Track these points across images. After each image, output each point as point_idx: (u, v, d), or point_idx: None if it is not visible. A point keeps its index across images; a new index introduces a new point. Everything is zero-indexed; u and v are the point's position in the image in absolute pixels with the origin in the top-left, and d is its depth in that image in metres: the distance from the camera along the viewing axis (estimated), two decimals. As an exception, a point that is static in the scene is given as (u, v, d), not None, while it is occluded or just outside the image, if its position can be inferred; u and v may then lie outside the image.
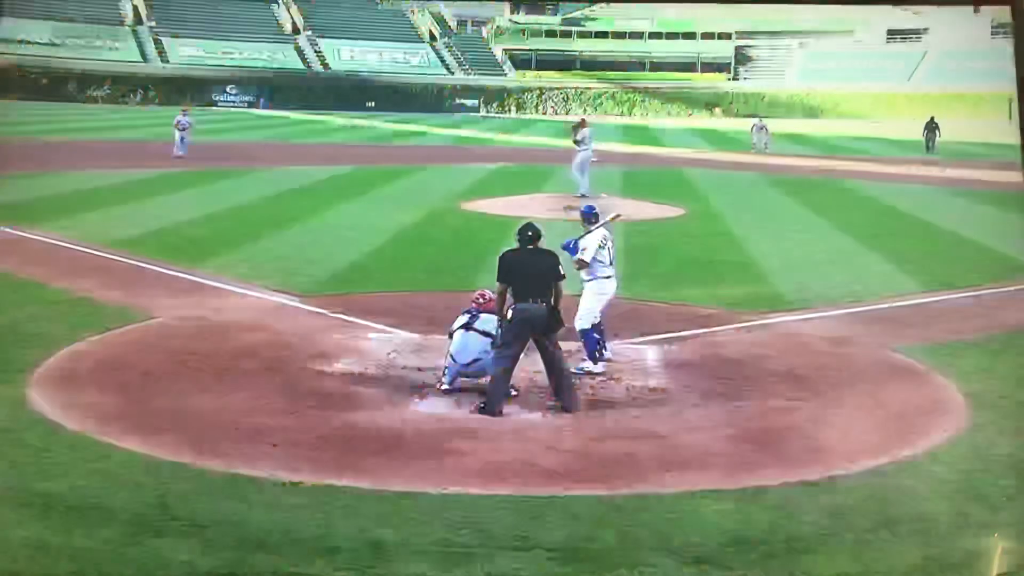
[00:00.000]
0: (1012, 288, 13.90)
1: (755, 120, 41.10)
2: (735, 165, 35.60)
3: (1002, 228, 19.70)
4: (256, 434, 7.91)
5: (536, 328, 8.62)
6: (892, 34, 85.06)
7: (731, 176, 31.13)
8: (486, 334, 9.06)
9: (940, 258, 16.82)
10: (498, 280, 8.70)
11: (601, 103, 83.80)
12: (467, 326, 9.21)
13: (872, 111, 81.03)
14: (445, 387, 9.09)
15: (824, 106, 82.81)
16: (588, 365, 9.78)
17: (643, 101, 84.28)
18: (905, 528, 6.66)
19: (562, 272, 8.78)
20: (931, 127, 42.49)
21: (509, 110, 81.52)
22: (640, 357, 10.55)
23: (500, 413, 8.52)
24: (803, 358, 10.58)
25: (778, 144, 46.73)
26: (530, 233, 8.92)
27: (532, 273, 8.67)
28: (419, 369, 9.77)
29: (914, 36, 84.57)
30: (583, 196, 21.21)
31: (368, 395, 9.04)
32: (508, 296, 8.61)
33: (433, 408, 8.82)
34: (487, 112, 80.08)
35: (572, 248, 9.96)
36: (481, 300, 9.39)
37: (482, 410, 8.56)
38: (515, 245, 8.90)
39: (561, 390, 8.73)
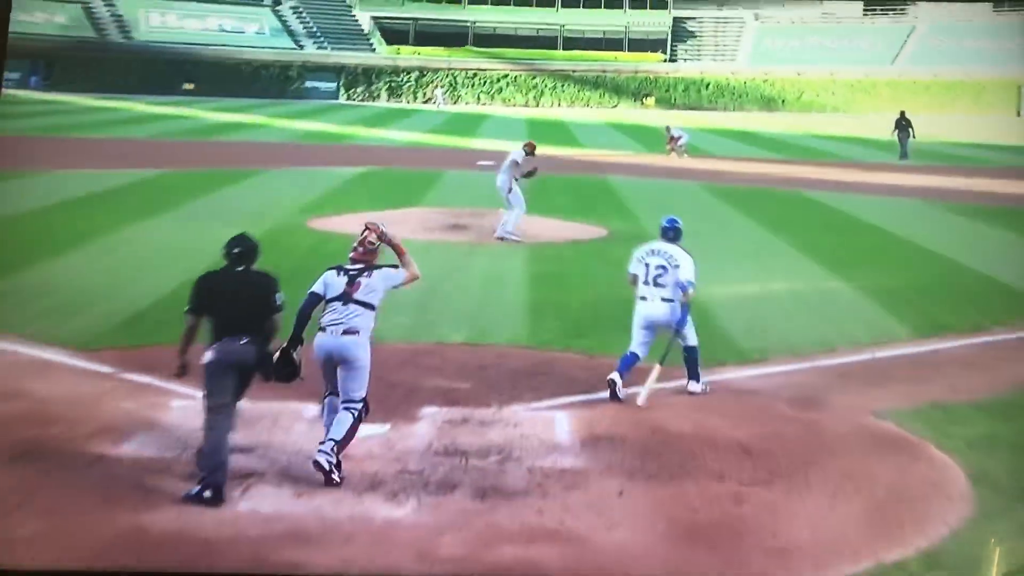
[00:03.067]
0: (1025, 332, 14.34)
1: (672, 130, 41.66)
2: (672, 172, 36.15)
3: (1012, 255, 20.32)
4: (3, 550, 7.48)
5: (243, 375, 8.90)
6: (871, 5, 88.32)
7: (667, 186, 31.56)
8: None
9: (935, 293, 17.20)
10: (188, 310, 8.98)
11: (501, 89, 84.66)
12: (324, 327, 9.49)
13: (846, 103, 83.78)
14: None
15: (785, 96, 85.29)
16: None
17: (555, 88, 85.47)
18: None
19: (279, 302, 9.05)
20: (902, 126, 43.46)
21: (378, 96, 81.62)
22: (546, 427, 10.51)
23: (221, 500, 8.54)
24: (760, 427, 10.65)
25: (728, 145, 47.63)
26: (238, 250, 9.16)
27: (237, 302, 8.94)
28: (241, 450, 9.51)
29: (899, 8, 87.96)
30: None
31: (168, 487, 8.81)
32: (200, 332, 8.92)
33: (259, 503, 8.64)
34: (349, 98, 79.99)
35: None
36: (362, 249, 9.85)
37: (198, 495, 8.56)
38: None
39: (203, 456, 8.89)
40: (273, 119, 55.15)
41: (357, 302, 9.51)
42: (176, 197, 25.51)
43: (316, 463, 9.06)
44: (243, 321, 8.89)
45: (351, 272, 9.71)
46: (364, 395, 9.38)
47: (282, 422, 10.42)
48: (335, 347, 9.37)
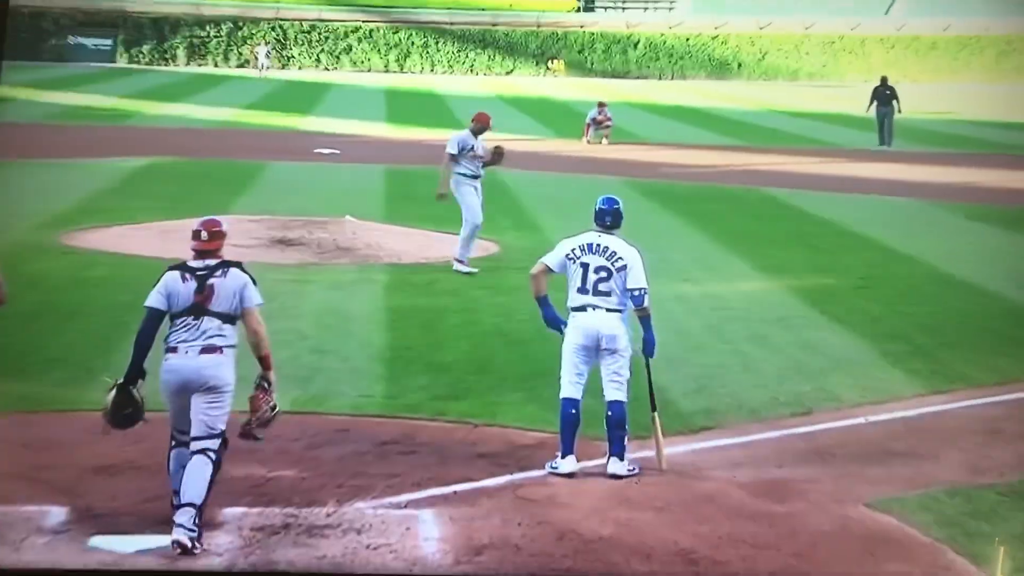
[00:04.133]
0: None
1: (604, 109, 41.81)
2: (589, 164, 36.23)
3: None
4: None
5: None
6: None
7: (582, 184, 31.57)
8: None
9: (949, 332, 17.37)
10: None
11: (349, 48, 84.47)
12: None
13: (824, 67, 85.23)
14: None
15: (741, 58, 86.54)
16: (558, 462, 11.73)
17: (425, 47, 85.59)
18: None
19: None
20: (883, 97, 43.70)
21: (173, 58, 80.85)
22: (406, 534, 10.36)
23: None
24: (710, 526, 10.60)
25: (664, 126, 47.97)
26: None
27: None
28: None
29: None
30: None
31: None
32: None
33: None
34: (131, 61, 79.10)
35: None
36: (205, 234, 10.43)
37: None
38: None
39: None
40: (16, 90, 54.02)
41: (214, 314, 10.07)
42: None
43: (177, 543, 9.60)
44: None
45: (199, 273, 10.21)
46: (224, 428, 10.04)
47: (10, 536, 10.05)
48: (192, 371, 9.95)
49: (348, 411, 13.36)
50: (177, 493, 9.95)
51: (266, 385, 10.36)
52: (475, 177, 20.96)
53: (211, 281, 10.12)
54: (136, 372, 9.99)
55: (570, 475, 11.58)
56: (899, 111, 43.39)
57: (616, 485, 11.52)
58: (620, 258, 11.80)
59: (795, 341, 16.75)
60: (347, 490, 11.05)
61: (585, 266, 11.84)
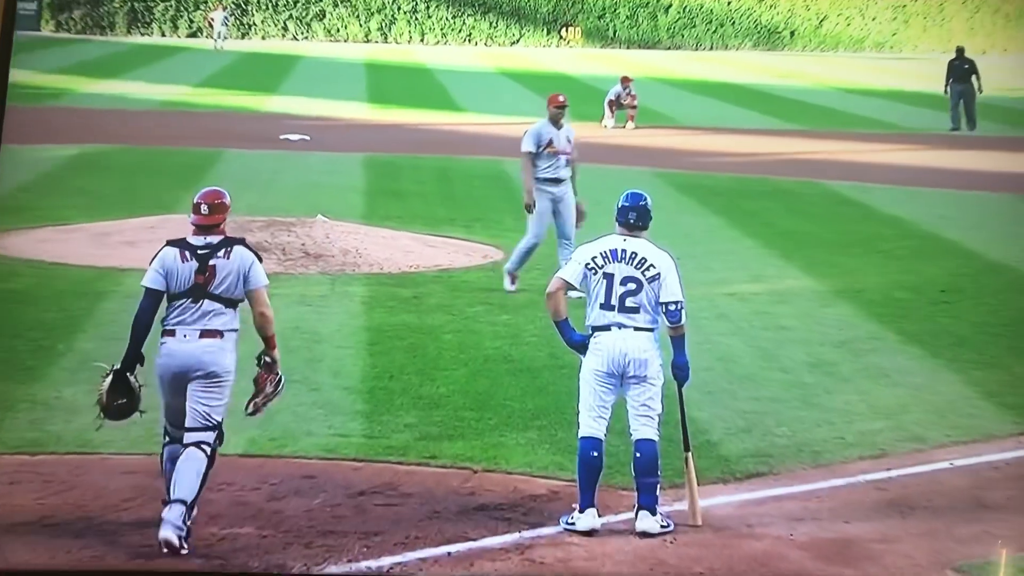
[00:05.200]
0: None
1: (630, 86, 41.93)
2: (611, 153, 36.14)
3: None
4: None
5: None
6: None
7: (602, 175, 31.40)
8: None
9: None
10: None
11: (323, 13, 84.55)
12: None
13: (894, 35, 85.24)
14: None
15: (795, 25, 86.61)
16: (575, 517, 11.65)
17: (414, 11, 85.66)
18: None
19: None
20: (959, 72, 44.15)
21: (112, 27, 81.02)
22: None
23: None
24: (764, 597, 10.61)
25: (702, 107, 47.96)
26: None
27: None
28: None
29: None
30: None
31: None
32: None
33: None
34: (58, 29, 79.26)
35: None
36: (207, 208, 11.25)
37: None
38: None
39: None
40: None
41: (215, 297, 10.99)
42: None
43: (165, 541, 10.59)
44: None
45: (200, 251, 11.08)
46: (221, 420, 11.06)
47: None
48: (190, 356, 10.95)
49: (318, 454, 13.33)
50: (170, 487, 10.82)
51: (269, 361, 11.30)
52: (555, 182, 19.94)
53: (213, 262, 11.00)
54: (133, 357, 10.94)
55: (590, 533, 11.48)
56: (980, 90, 43.49)
57: (646, 545, 11.45)
58: (651, 266, 11.71)
59: (864, 368, 16.73)
60: (317, 551, 11.00)
61: (609, 277, 11.75)
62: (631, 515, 11.62)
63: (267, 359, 11.30)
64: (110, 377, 10.95)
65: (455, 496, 12.30)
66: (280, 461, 13.07)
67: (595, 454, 11.57)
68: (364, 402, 14.93)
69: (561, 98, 20.24)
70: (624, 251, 11.76)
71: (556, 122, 19.98)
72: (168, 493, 10.77)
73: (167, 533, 10.53)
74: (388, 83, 58.29)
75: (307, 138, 37.74)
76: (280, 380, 11.44)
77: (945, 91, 44.14)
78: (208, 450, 10.88)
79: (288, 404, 14.60)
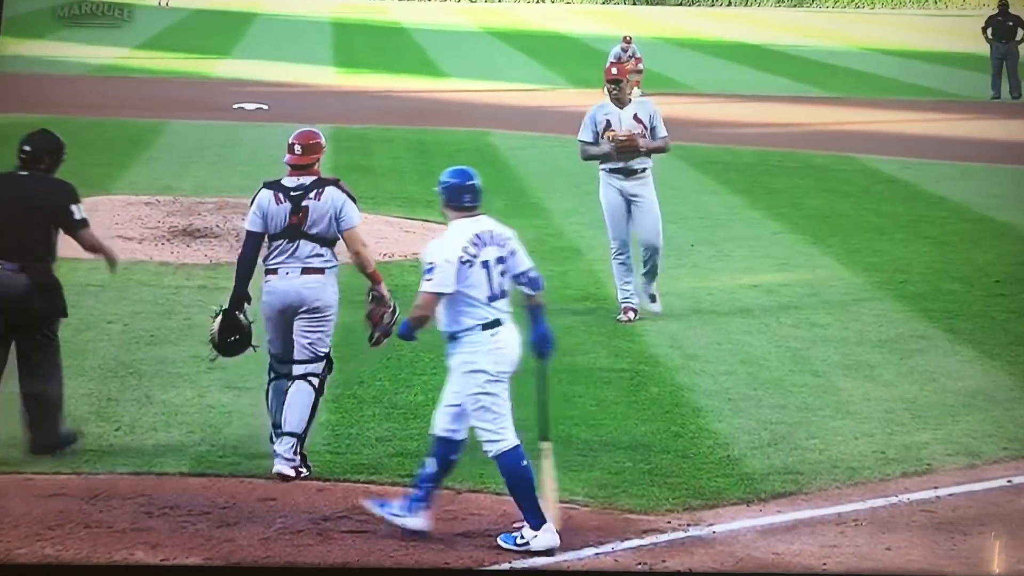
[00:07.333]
0: None
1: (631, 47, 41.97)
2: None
3: None
4: None
5: (8, 312, 11.91)
6: None
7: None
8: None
9: None
10: None
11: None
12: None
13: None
14: None
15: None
16: (395, 509, 11.92)
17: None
18: None
19: (77, 216, 12.94)
20: (1002, 28, 43.94)
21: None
22: None
23: None
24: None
25: (720, 71, 47.97)
26: (28, 148, 12.89)
27: (11, 215, 12.61)
28: None
29: None
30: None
31: None
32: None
33: None
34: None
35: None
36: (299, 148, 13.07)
37: None
38: None
39: (35, 423, 12.77)
40: None
41: (310, 237, 12.85)
42: None
43: (280, 474, 12.68)
44: (12, 239, 12.09)
45: (292, 193, 12.90)
46: (329, 351, 13.01)
47: None
48: (293, 291, 12.88)
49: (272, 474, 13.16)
50: (277, 426, 12.86)
51: (378, 296, 13.09)
52: (624, 174, 18.19)
53: (305, 203, 12.81)
54: (240, 296, 12.90)
55: (549, 552, 11.52)
56: None
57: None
58: (508, 238, 11.81)
59: (909, 372, 16.72)
60: (276, 584, 10.93)
61: (486, 264, 11.66)
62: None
63: (375, 293, 13.06)
64: (220, 317, 12.87)
65: (435, 521, 12.11)
66: (232, 481, 12.99)
67: (525, 463, 11.60)
68: (329, 412, 14.74)
69: (614, 71, 18.79)
70: (490, 235, 11.77)
71: (618, 100, 18.31)
72: (274, 428, 12.86)
73: (281, 467, 12.63)
74: (357, 44, 58.39)
75: (264, 107, 37.90)
76: (395, 309, 13.09)
77: (992, 57, 43.76)
78: (316, 382, 12.88)
79: (242, 416, 14.74)
